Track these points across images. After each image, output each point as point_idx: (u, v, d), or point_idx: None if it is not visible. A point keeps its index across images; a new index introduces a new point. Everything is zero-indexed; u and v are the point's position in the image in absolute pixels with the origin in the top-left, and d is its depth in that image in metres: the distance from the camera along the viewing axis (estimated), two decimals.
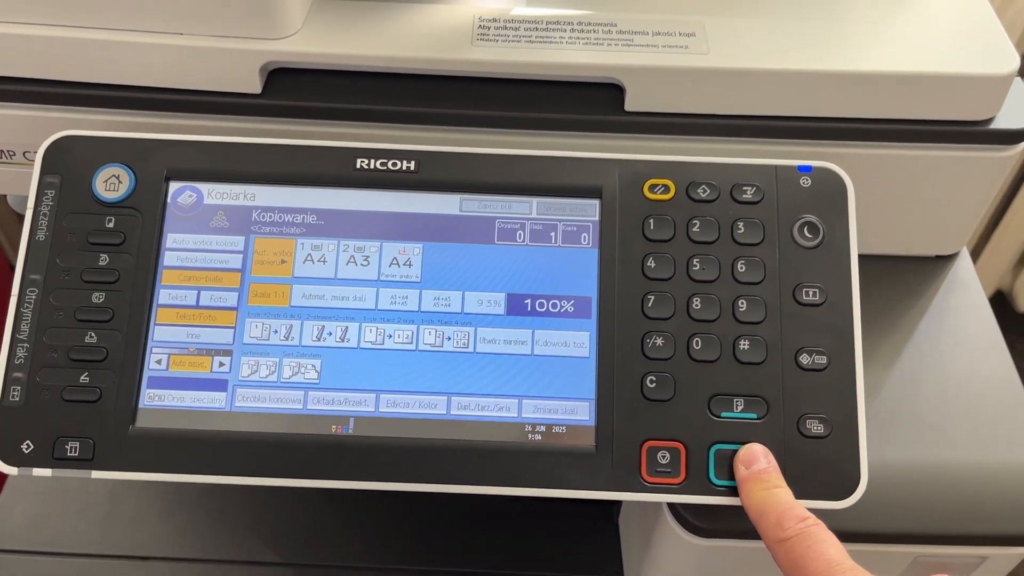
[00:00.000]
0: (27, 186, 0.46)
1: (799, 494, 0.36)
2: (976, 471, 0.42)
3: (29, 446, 0.37)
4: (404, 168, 0.40)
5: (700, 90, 0.42)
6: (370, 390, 0.38)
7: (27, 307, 0.38)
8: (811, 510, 0.35)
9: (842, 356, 0.38)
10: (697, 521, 0.40)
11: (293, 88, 0.43)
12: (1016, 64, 0.42)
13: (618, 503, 0.54)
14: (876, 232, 0.47)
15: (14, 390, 0.37)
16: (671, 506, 0.41)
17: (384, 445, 0.37)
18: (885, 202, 0.46)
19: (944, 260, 0.50)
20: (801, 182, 0.40)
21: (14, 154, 0.46)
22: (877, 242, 0.48)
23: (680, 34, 0.42)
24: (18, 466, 0.37)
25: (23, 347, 0.38)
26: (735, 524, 0.39)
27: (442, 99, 0.43)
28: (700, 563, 0.43)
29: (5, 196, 0.52)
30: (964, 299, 0.48)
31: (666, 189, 0.39)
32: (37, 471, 0.37)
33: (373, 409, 0.38)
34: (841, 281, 0.38)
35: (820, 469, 0.37)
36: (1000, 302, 1.39)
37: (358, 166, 0.40)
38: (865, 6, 0.45)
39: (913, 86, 0.42)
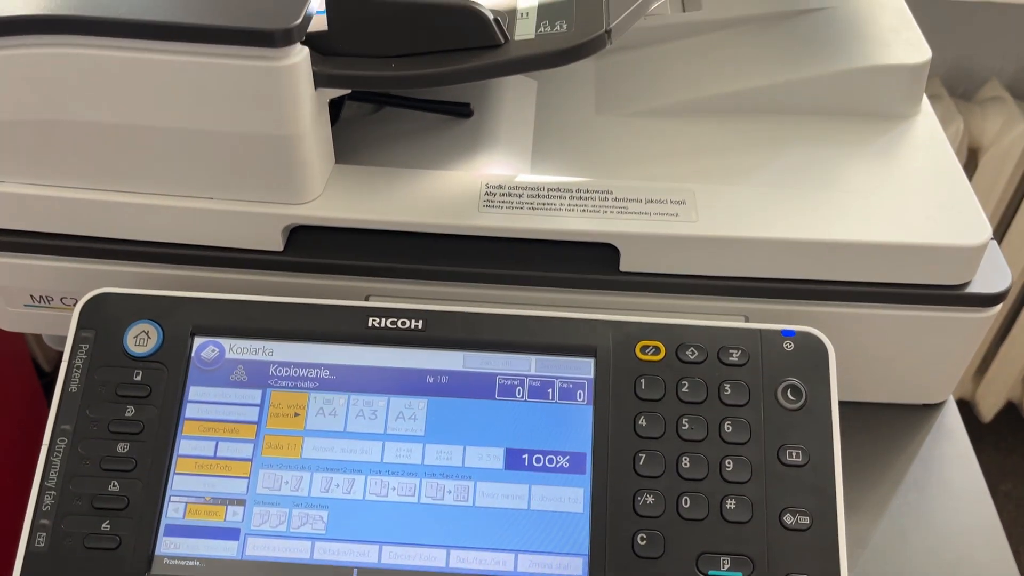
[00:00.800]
0: (59, 327, 0.49)
1: None
2: None
3: None
4: (412, 326, 0.43)
5: (689, 254, 0.45)
6: (373, 541, 0.40)
7: (56, 456, 0.41)
8: None
9: (825, 516, 0.39)
10: None
11: (313, 246, 0.46)
12: (987, 235, 0.44)
13: None
14: (862, 382, 0.50)
15: (40, 536, 0.39)
16: None
17: None
18: (869, 356, 0.48)
19: (931, 408, 0.52)
20: (784, 346, 0.42)
21: (52, 299, 0.50)
22: (863, 391, 0.50)
23: (671, 202, 0.46)
24: None
25: (50, 495, 0.40)
26: None
27: (450, 258, 0.46)
28: None
29: None
30: (950, 448, 0.50)
31: (657, 350, 0.42)
32: None
33: (376, 560, 0.39)
34: (823, 442, 0.40)
35: None
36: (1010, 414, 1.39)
37: (370, 324, 0.43)
38: (849, 175, 0.48)
39: (891, 254, 0.44)
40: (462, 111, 0.52)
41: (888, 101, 0.51)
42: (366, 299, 0.47)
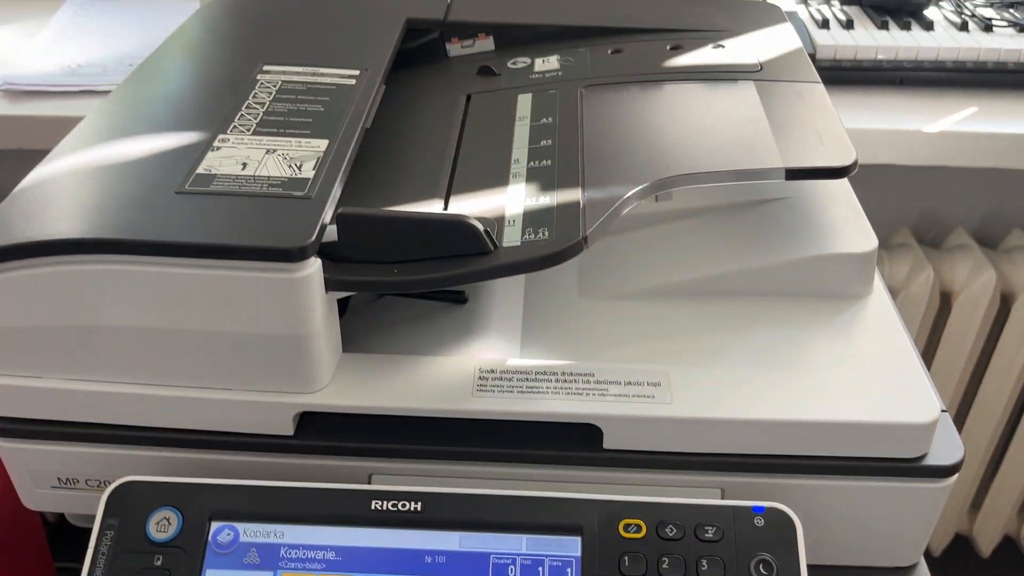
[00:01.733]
0: (83, 506, 0.53)
1: None
2: None
3: None
4: (412, 508, 0.46)
5: (666, 433, 0.49)
6: None
7: None
8: None
9: None
10: None
11: (321, 430, 0.50)
12: (937, 412, 0.49)
13: None
14: (834, 546, 0.53)
15: None
16: None
17: None
18: (838, 523, 0.51)
19: (903, 571, 0.55)
20: (755, 522, 0.46)
21: (77, 482, 0.53)
22: (836, 555, 0.53)
23: (648, 383, 0.50)
24: None
25: None
26: None
27: (447, 439, 0.50)
28: None
29: None
30: None
31: (639, 528, 0.45)
32: None
33: None
34: None
35: None
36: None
37: (372, 507, 0.46)
38: (810, 354, 0.53)
39: (851, 431, 0.49)
40: (458, 298, 0.57)
41: (842, 284, 0.57)
42: (369, 478, 0.51)
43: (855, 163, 0.54)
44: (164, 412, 0.50)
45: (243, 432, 0.50)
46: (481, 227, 0.48)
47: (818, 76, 0.64)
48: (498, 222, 0.50)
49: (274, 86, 0.60)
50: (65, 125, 0.97)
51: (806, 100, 0.61)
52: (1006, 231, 1.18)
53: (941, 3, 1.10)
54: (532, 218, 0.51)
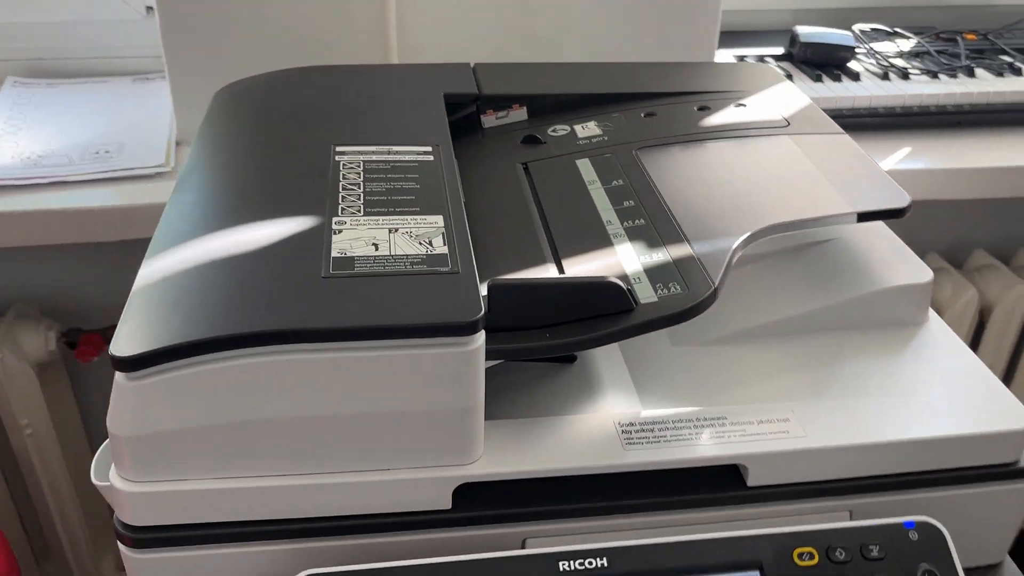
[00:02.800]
0: None
1: None
2: None
3: None
4: (599, 565, 0.47)
5: (802, 465, 0.53)
6: None
7: None
8: None
9: None
10: None
11: (475, 500, 0.51)
12: None
13: None
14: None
15: None
16: None
17: None
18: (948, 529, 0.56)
19: (993, 568, 0.60)
20: (910, 536, 0.50)
21: None
22: None
23: (777, 420, 0.54)
24: None
25: None
26: None
27: (596, 495, 0.52)
28: None
29: None
30: None
31: (811, 556, 0.48)
32: None
33: None
34: None
35: None
36: None
37: (561, 568, 0.47)
38: (901, 379, 0.58)
39: (956, 445, 0.54)
40: (567, 358, 0.59)
41: (905, 313, 0.63)
42: (523, 543, 0.52)
43: (911, 203, 0.60)
44: (319, 501, 0.49)
45: (400, 512, 0.50)
46: (625, 286, 0.51)
47: (840, 128, 0.71)
48: (624, 280, 0.53)
49: (357, 166, 0.60)
50: (40, 219, 0.93)
51: (840, 149, 0.68)
52: (969, 252, 1.31)
53: (859, 56, 1.22)
54: (655, 274, 0.54)
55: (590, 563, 0.47)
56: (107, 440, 0.57)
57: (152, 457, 0.47)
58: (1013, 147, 1.11)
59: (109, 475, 0.49)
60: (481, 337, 0.47)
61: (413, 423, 0.48)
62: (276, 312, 0.46)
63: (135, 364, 0.45)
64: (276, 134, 0.67)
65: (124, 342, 0.45)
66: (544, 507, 0.51)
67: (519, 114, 0.76)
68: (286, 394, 0.46)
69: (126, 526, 0.49)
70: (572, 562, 0.47)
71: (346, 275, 0.49)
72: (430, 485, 0.50)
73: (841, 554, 0.49)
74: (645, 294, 0.52)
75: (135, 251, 1.04)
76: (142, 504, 0.48)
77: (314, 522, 0.49)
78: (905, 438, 0.53)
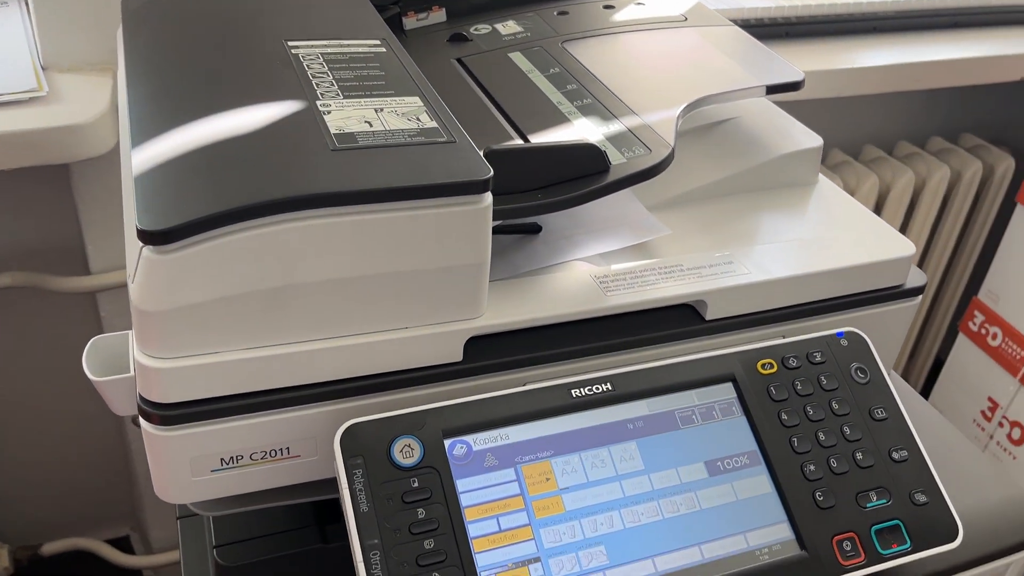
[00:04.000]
0: (242, 485, 0.53)
1: (925, 546, 0.54)
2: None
3: None
4: (605, 389, 0.54)
5: (751, 297, 0.61)
6: (646, 557, 0.50)
7: (375, 568, 0.46)
8: (932, 556, 0.53)
9: (913, 448, 0.57)
10: None
11: (482, 352, 0.56)
12: (913, 248, 0.66)
13: None
14: None
15: None
16: None
17: None
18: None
19: None
20: (842, 343, 0.60)
21: (242, 458, 0.53)
22: None
23: (724, 263, 0.62)
24: None
25: None
26: None
27: (584, 338, 0.58)
28: None
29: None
30: None
31: (771, 365, 0.57)
32: None
33: (654, 571, 0.50)
34: (889, 400, 0.58)
35: (933, 525, 0.55)
36: None
37: (574, 395, 0.53)
38: (812, 225, 0.68)
39: (864, 271, 0.64)
40: (532, 229, 0.64)
41: (802, 174, 0.73)
42: (524, 386, 0.57)
43: (804, 77, 0.70)
44: (345, 363, 0.52)
45: (418, 367, 0.54)
46: (601, 148, 0.57)
47: (728, 21, 0.80)
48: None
49: (317, 58, 0.62)
50: None
51: (735, 39, 0.77)
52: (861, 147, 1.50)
53: None
54: (617, 141, 0.60)
55: (598, 388, 0.54)
56: (95, 337, 0.56)
57: (181, 331, 0.48)
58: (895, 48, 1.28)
59: (134, 354, 0.49)
60: (490, 196, 0.51)
61: (429, 281, 0.52)
62: (299, 180, 0.48)
63: (166, 237, 0.46)
64: (220, 32, 0.66)
65: (151, 216, 0.46)
66: (543, 352, 0.57)
67: (439, 16, 0.79)
68: (313, 259, 0.49)
69: (155, 405, 0.50)
70: (582, 389, 0.54)
71: (353, 147, 0.51)
72: (444, 339, 0.54)
73: (794, 362, 0.58)
74: (615, 157, 0.58)
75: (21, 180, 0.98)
76: (173, 380, 0.49)
77: (341, 383, 0.52)
78: (825, 268, 0.63)
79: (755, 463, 0.54)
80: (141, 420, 0.51)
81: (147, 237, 0.46)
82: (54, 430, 1.34)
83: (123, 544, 1.47)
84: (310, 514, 0.70)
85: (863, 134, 1.55)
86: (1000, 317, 1.48)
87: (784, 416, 0.56)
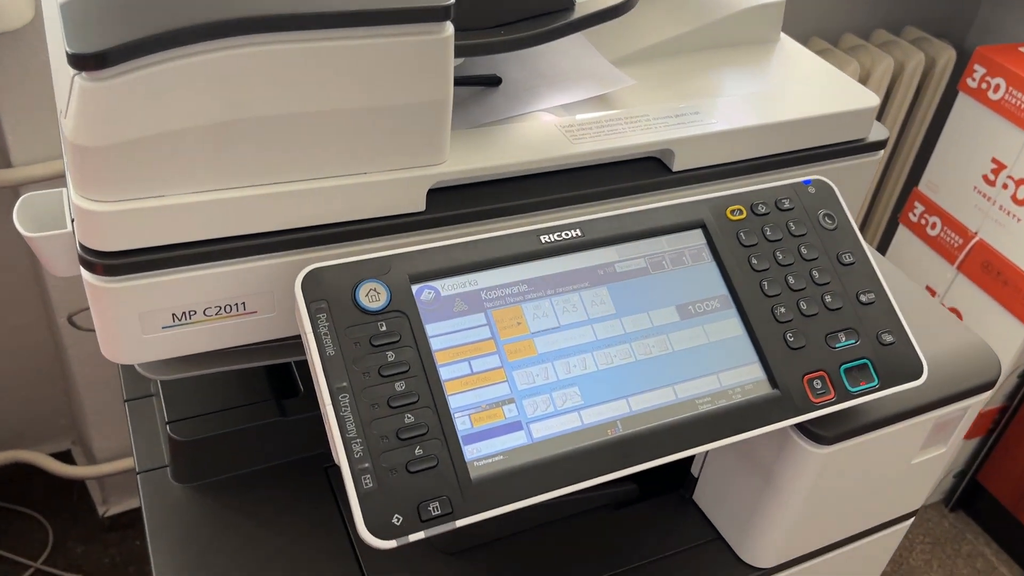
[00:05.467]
0: (191, 344, 0.50)
1: (891, 384, 0.54)
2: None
3: (399, 519, 0.42)
4: (574, 236, 0.52)
5: (716, 146, 0.60)
6: (620, 397, 0.49)
7: (345, 410, 0.44)
8: (898, 394, 0.53)
9: (879, 290, 0.57)
10: (823, 431, 0.56)
11: (445, 203, 0.53)
12: (877, 99, 0.66)
13: (691, 480, 0.68)
14: None
15: (365, 479, 0.43)
16: (798, 427, 0.57)
17: (646, 434, 0.48)
18: None
19: None
20: (809, 190, 0.59)
21: (194, 313, 0.50)
22: None
23: (690, 113, 0.60)
24: (394, 538, 0.42)
25: (357, 443, 0.43)
26: (847, 427, 0.56)
27: (550, 189, 0.56)
28: (822, 471, 0.59)
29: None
30: None
31: (740, 212, 0.56)
32: (412, 536, 0.42)
33: (629, 410, 0.49)
34: (856, 245, 0.58)
35: (900, 364, 0.55)
36: None
37: (543, 241, 0.51)
38: (775, 79, 0.66)
39: (828, 122, 0.63)
40: (492, 81, 0.61)
41: (761, 31, 0.71)
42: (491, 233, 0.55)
43: None
44: (302, 210, 0.49)
45: (380, 216, 0.51)
46: None
47: None
48: None
49: None
50: None
51: None
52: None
53: None
54: None
55: (566, 235, 0.52)
56: (26, 194, 0.52)
57: (121, 170, 0.45)
58: None
59: (72, 199, 0.46)
60: (451, 27, 0.48)
61: (387, 120, 0.49)
62: (248, 2, 0.44)
63: (100, 60, 0.42)
64: None
65: (83, 40, 0.42)
66: (507, 203, 0.55)
67: None
68: (261, 89, 0.45)
69: (98, 253, 0.46)
70: (551, 235, 0.52)
71: None
72: (406, 186, 0.51)
73: (762, 208, 0.57)
74: None
75: None
76: (115, 225, 0.45)
77: (297, 232, 0.50)
78: (790, 118, 0.62)
79: (726, 307, 0.54)
80: (83, 273, 0.47)
81: (80, 62, 0.42)
82: None
83: (65, 458, 1.43)
84: (266, 388, 0.68)
85: (809, 27, 1.54)
86: (939, 207, 1.51)
87: (754, 261, 0.55)
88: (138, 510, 1.43)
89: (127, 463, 1.35)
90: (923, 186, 1.54)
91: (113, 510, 1.42)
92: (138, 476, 0.66)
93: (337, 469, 0.66)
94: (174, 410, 0.64)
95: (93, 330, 0.50)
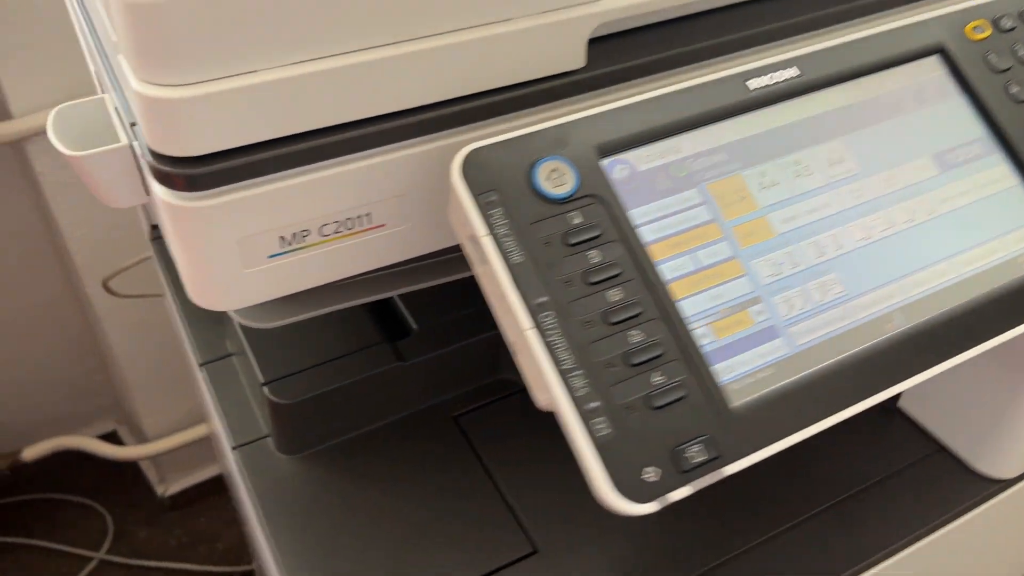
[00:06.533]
0: (304, 279, 0.38)
1: None
2: None
3: (654, 472, 0.31)
4: (790, 77, 0.39)
5: None
6: (892, 281, 0.37)
7: (553, 334, 0.32)
8: None
9: None
10: None
11: (612, 55, 0.40)
12: None
13: None
14: None
15: (597, 424, 0.31)
16: None
17: (936, 325, 0.36)
18: None
19: None
20: None
21: (308, 233, 0.37)
22: None
23: None
24: (653, 499, 0.30)
25: (577, 376, 0.31)
26: None
27: (755, 21, 0.42)
28: None
29: None
30: None
31: (983, 28, 0.43)
32: (675, 494, 0.31)
33: (906, 297, 0.37)
34: None
35: None
36: None
37: (751, 88, 0.39)
38: None
39: None
40: None
41: None
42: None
43: None
44: (431, 79, 0.36)
45: (532, 79, 0.38)
46: None
47: None
48: None
49: None
50: None
51: None
52: None
53: None
54: None
55: (781, 75, 0.39)
56: (60, 106, 0.40)
57: (194, 36, 0.31)
58: None
59: (134, 88, 0.33)
60: None
61: None
62: None
63: None
64: None
65: None
66: (690, 46, 0.41)
67: None
68: None
69: (177, 161, 0.33)
70: (762, 78, 0.39)
71: None
72: (559, 34, 0.38)
73: (1007, 22, 0.44)
74: None
75: None
76: (196, 115, 0.32)
77: (427, 111, 0.37)
78: None
79: (989, 152, 0.41)
80: (158, 192, 0.35)
81: None
82: (9, 324, 1.17)
83: (112, 440, 1.33)
84: (370, 331, 0.56)
85: None
86: None
87: (1015, 89, 0.42)
88: (198, 486, 1.34)
89: (183, 437, 1.24)
90: None
91: (172, 489, 1.32)
92: (233, 452, 0.54)
93: (471, 417, 0.54)
94: (268, 369, 0.52)
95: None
